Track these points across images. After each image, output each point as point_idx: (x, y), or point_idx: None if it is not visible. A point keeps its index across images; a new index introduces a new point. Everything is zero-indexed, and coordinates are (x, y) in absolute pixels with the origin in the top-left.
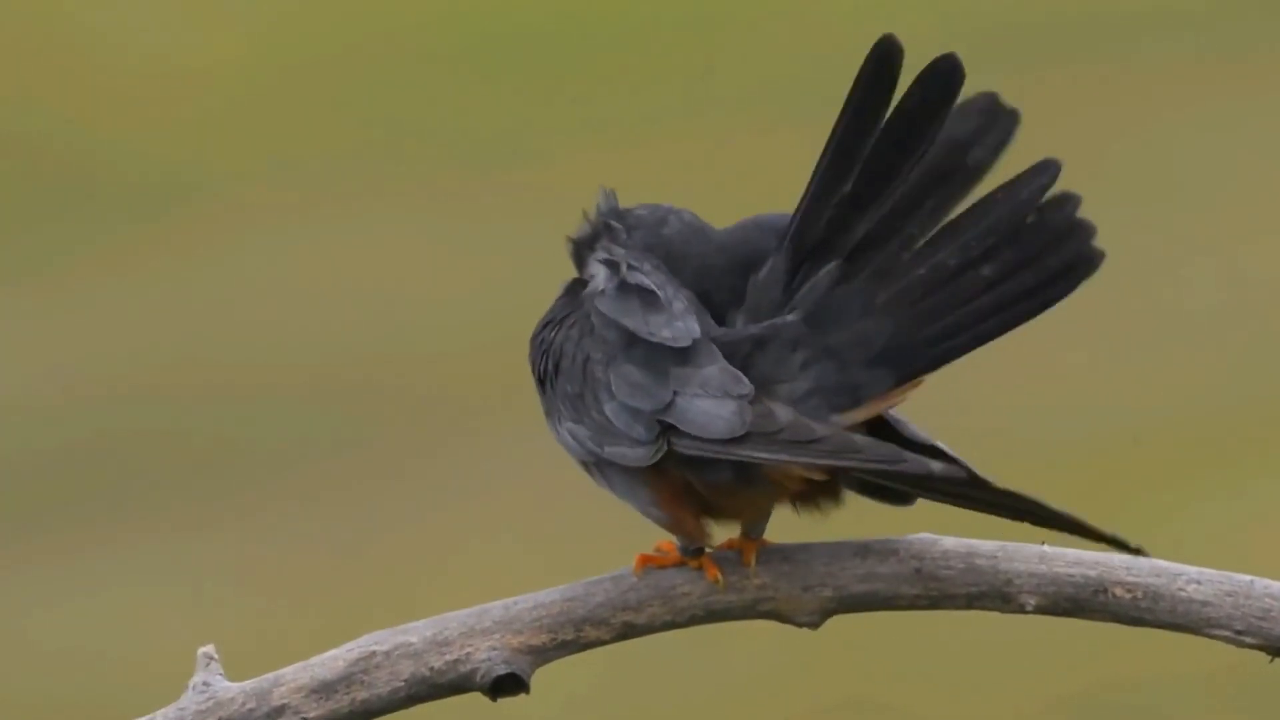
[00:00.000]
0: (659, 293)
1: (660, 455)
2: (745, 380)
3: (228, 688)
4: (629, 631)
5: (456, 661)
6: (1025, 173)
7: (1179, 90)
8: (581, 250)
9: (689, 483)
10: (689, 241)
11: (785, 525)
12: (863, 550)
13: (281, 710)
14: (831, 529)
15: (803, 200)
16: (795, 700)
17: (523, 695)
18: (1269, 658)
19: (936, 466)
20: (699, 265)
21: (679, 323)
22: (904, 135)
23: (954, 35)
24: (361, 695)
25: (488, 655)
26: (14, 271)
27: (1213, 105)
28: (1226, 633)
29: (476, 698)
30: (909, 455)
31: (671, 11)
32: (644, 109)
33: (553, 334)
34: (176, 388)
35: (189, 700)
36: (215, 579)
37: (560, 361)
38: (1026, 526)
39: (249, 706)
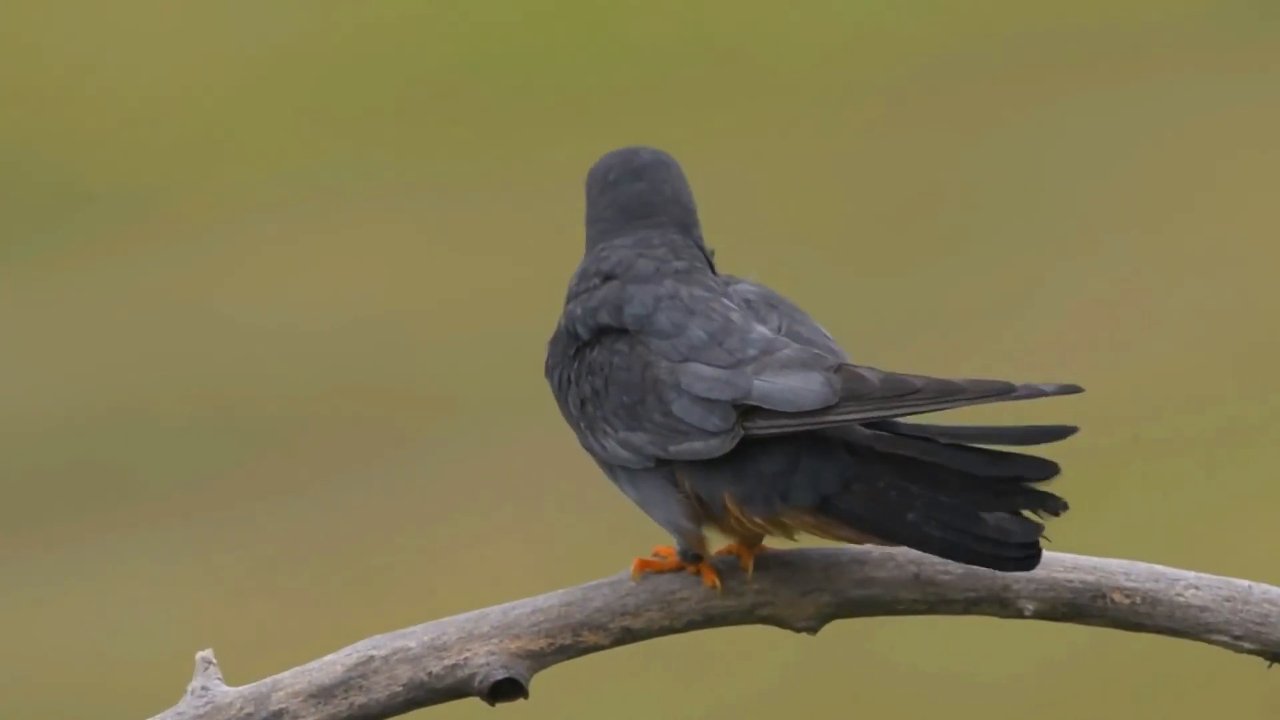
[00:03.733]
0: (717, 315)
1: (736, 442)
2: (825, 355)
3: (226, 692)
4: (627, 636)
5: (455, 666)
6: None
7: (1187, 90)
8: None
9: (699, 497)
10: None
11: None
12: (861, 556)
13: (279, 715)
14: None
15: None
16: (792, 705)
17: (521, 700)
18: (1267, 663)
19: (1048, 388)
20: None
21: (751, 334)
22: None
23: (951, 41)
24: (359, 700)
25: (486, 660)
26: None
27: (1224, 106)
28: (1225, 638)
29: (475, 702)
30: (1018, 384)
31: (670, 16)
32: (643, 110)
33: (594, 354)
34: (174, 391)
35: (187, 705)
36: (214, 584)
37: (611, 374)
38: None
39: (247, 711)
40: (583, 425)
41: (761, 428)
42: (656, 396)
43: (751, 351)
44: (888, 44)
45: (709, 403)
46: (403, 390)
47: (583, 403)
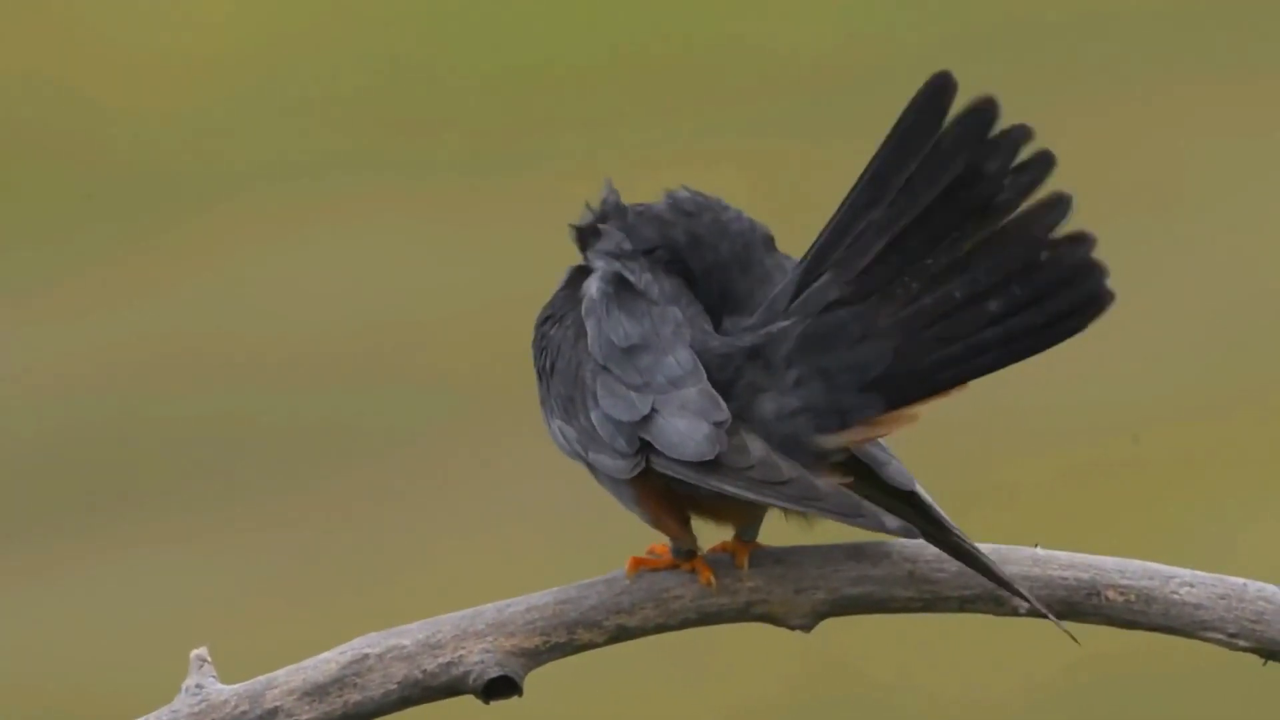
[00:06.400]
0: (646, 321)
1: (639, 470)
2: (724, 406)
3: (220, 690)
4: (622, 634)
5: (449, 664)
6: (1037, 207)
7: (1183, 90)
8: (585, 238)
9: (669, 488)
10: (707, 237)
11: (778, 528)
12: (856, 553)
13: (274, 713)
14: (824, 532)
15: (831, 220)
16: (786, 703)
17: (515, 698)
18: (1262, 661)
19: (891, 523)
20: (713, 261)
21: (668, 358)
22: (937, 171)
23: (955, 35)
24: (354, 698)
25: (480, 658)
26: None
27: (1217, 104)
28: (1220, 636)
29: (469, 700)
30: (867, 508)
31: (669, 21)
32: (641, 112)
33: (553, 330)
34: (169, 390)
35: (182, 702)
36: (208, 581)
37: (556, 361)
38: (1020, 529)
39: (241, 709)
40: (540, 395)
41: (661, 465)
42: (582, 400)
43: (659, 378)
44: (886, 41)
45: (616, 422)
46: (399, 390)
47: (540, 374)
